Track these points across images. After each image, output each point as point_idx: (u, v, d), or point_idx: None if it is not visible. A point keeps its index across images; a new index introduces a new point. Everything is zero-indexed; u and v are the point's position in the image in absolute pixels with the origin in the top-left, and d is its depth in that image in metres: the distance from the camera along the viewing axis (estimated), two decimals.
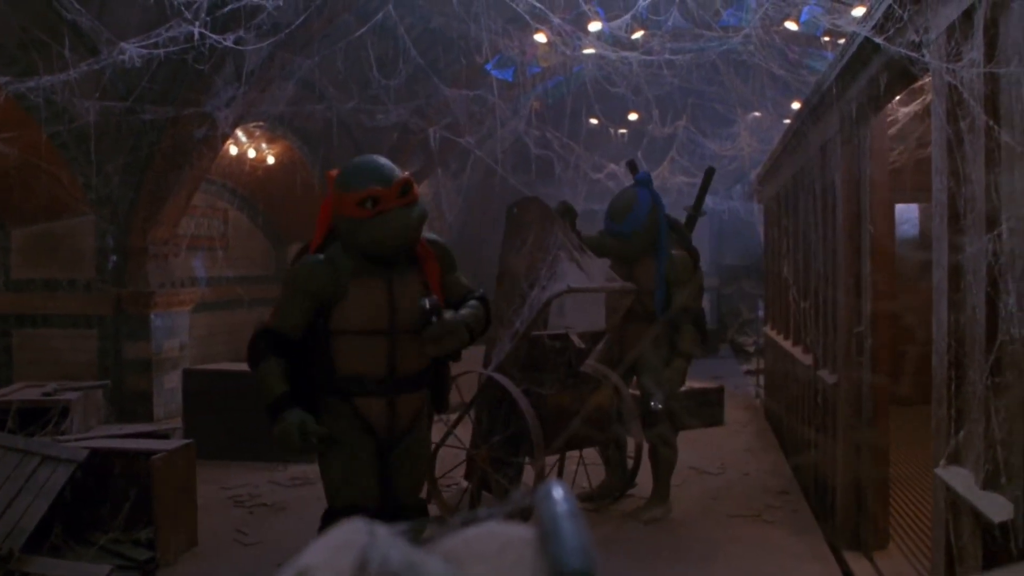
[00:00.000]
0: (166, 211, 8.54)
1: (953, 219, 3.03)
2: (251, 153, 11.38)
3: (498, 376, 5.63)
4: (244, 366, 9.41)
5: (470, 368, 6.20)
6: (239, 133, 10.70)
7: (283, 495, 6.87)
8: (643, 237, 6.05)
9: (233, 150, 10.93)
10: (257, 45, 5.51)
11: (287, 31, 5.86)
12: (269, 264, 13.18)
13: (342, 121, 10.14)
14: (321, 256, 3.74)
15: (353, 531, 0.63)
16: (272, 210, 12.70)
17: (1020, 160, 2.34)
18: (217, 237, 11.65)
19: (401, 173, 3.68)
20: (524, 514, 0.71)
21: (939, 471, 3.08)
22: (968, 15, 2.80)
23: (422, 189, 14.35)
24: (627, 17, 6.79)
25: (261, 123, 10.41)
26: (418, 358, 3.78)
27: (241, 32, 5.32)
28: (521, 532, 0.68)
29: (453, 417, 5.92)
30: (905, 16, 3.38)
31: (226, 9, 5.12)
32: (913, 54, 3.29)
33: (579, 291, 5.62)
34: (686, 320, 5.91)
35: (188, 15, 5.00)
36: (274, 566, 5.28)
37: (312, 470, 7.53)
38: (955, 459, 3.00)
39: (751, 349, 14.87)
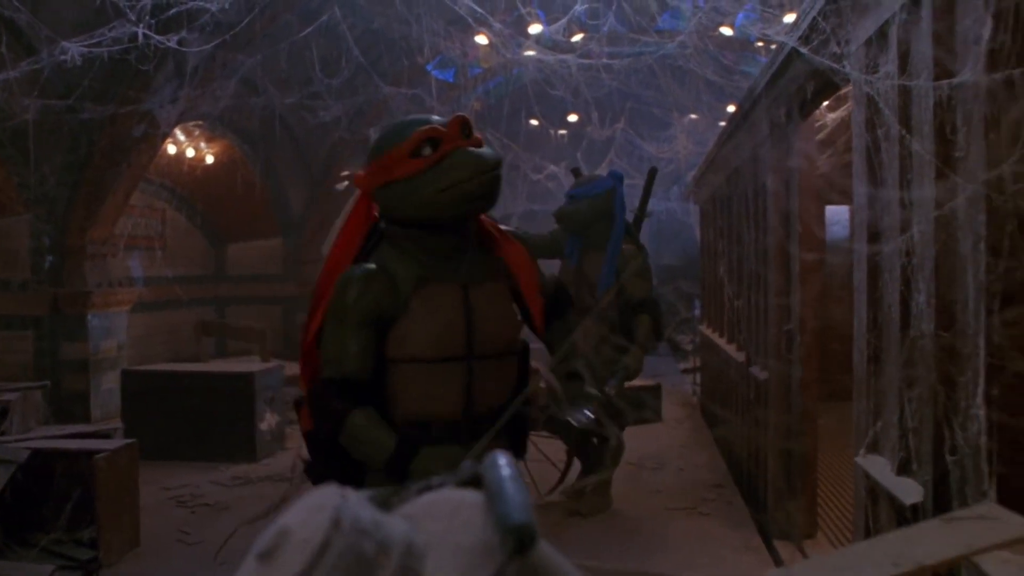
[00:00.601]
0: (104, 210, 8.46)
1: (872, 222, 3.21)
2: (190, 152, 11.31)
3: None
4: (183, 366, 9.38)
5: None
6: (178, 132, 10.64)
7: (225, 495, 6.88)
8: (593, 209, 6.09)
9: (171, 149, 10.86)
10: (201, 48, 5.52)
11: (231, 33, 5.88)
12: (208, 264, 13.11)
13: (283, 120, 10.15)
14: (370, 264, 2.75)
15: (327, 495, 0.74)
16: (211, 210, 12.63)
17: (928, 167, 2.52)
18: (155, 237, 11.57)
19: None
20: (473, 482, 0.82)
21: (859, 460, 3.26)
22: (883, 31, 2.98)
23: None
24: (564, 21, 6.93)
25: (200, 122, 10.37)
26: (500, 390, 2.85)
27: (184, 33, 5.33)
28: (471, 496, 0.79)
29: None
30: (828, 29, 3.56)
31: (171, 12, 5.12)
32: (835, 65, 3.48)
33: None
34: (643, 311, 5.99)
35: (131, 16, 5.00)
36: (218, 565, 5.31)
37: (252, 470, 7.58)
38: (873, 448, 3.18)
39: (688, 347, 15.15)
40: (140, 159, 8.49)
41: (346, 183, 13.18)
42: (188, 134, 11.07)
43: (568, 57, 8.27)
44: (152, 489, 6.60)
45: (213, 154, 11.53)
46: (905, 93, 2.78)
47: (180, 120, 8.99)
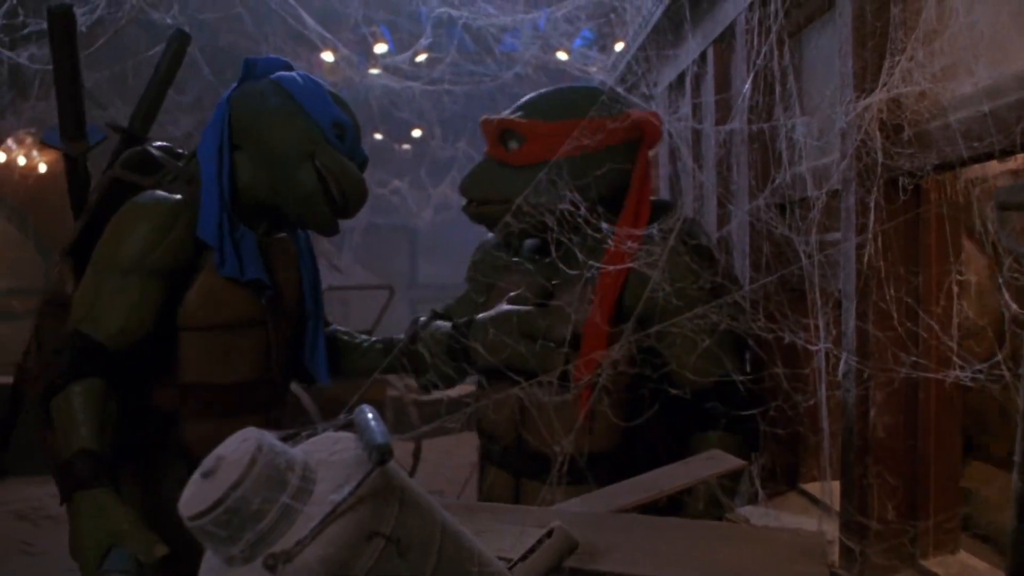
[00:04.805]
0: None
1: None
2: (21, 160, 10.98)
3: None
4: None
5: None
6: (8, 139, 10.34)
7: None
8: None
9: (1, 157, 10.54)
10: (47, 67, 5.53)
11: (85, 53, 5.90)
12: (36, 276, 12.69)
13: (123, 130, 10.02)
14: None
15: (249, 433, 1.08)
16: (44, 221, 12.23)
17: (712, 196, 3.04)
18: None
19: None
20: (347, 427, 1.18)
21: None
22: (681, 78, 3.51)
23: None
24: (409, 53, 7.29)
25: (32, 130, 10.11)
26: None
27: (34, 49, 5.37)
28: (344, 434, 1.16)
29: None
30: (639, 72, 4.08)
31: (24, 31, 5.15)
32: (644, 104, 3.99)
33: (339, 289, 6.51)
34: None
35: None
36: (65, 572, 5.35)
37: None
38: None
39: None
40: None
41: None
42: (19, 142, 10.73)
43: (414, 84, 8.63)
44: None
45: (46, 163, 11.20)
46: (696, 132, 3.31)
47: (12, 130, 8.79)
